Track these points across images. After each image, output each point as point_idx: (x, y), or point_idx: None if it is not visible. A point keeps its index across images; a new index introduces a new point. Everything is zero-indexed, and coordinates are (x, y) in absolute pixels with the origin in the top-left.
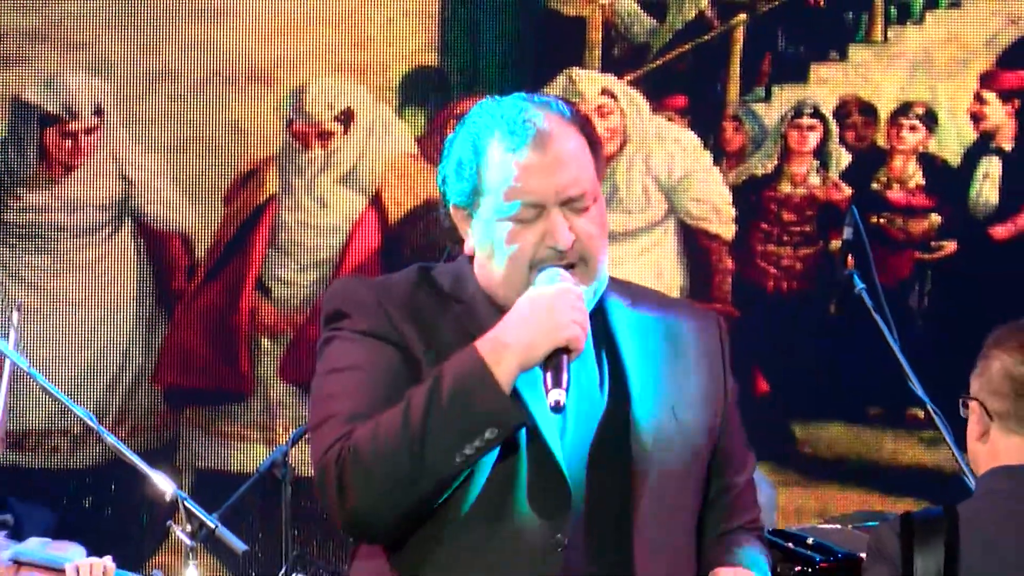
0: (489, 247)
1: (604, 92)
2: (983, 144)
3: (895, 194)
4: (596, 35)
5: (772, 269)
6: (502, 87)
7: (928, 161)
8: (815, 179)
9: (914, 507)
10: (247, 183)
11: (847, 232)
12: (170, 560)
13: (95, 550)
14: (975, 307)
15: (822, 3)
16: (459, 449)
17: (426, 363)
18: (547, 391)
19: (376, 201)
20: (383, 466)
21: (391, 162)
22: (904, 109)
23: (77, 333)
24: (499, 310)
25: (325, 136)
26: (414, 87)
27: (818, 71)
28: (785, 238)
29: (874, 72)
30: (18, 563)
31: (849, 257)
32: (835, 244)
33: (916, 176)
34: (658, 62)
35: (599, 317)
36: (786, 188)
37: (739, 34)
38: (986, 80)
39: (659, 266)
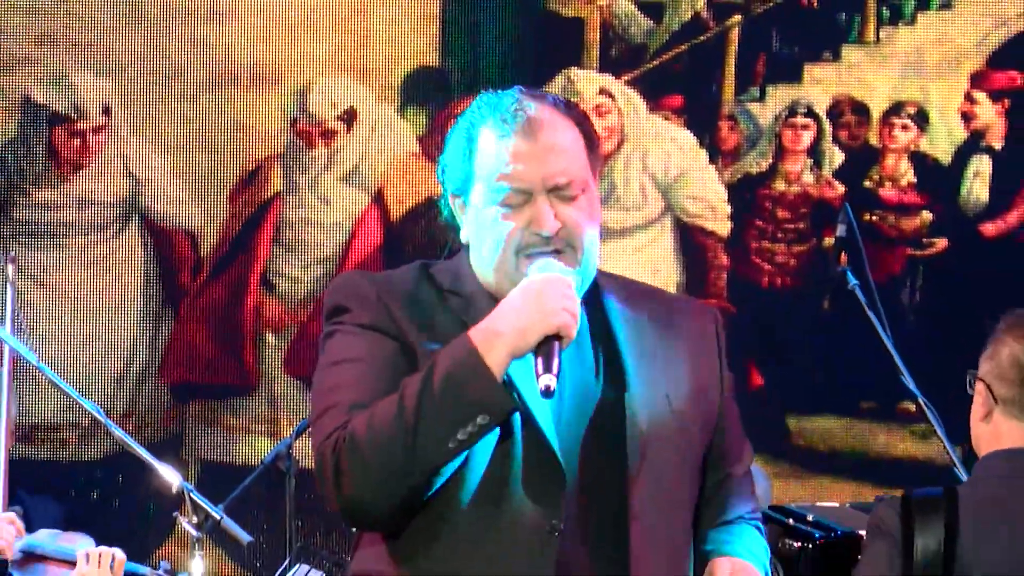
0: (479, 233)
1: (602, 92)
2: (973, 143)
3: (887, 192)
4: (594, 36)
5: (767, 265)
6: (502, 87)
7: (920, 160)
8: (809, 177)
9: None
10: (252, 181)
11: (840, 229)
12: (176, 551)
13: (103, 541)
14: (966, 303)
15: (815, 4)
16: (452, 435)
17: (425, 356)
18: (538, 376)
19: (378, 199)
20: (378, 453)
21: (393, 160)
22: (896, 108)
23: (85, 328)
24: (497, 304)
25: (328, 135)
26: (416, 87)
27: (812, 71)
28: (779, 235)
29: (867, 72)
30: (30, 555)
31: (842, 254)
32: (828, 241)
33: (908, 174)
34: (655, 62)
35: (596, 309)
36: (780, 186)
37: (734, 35)
38: (976, 80)
39: (656, 262)
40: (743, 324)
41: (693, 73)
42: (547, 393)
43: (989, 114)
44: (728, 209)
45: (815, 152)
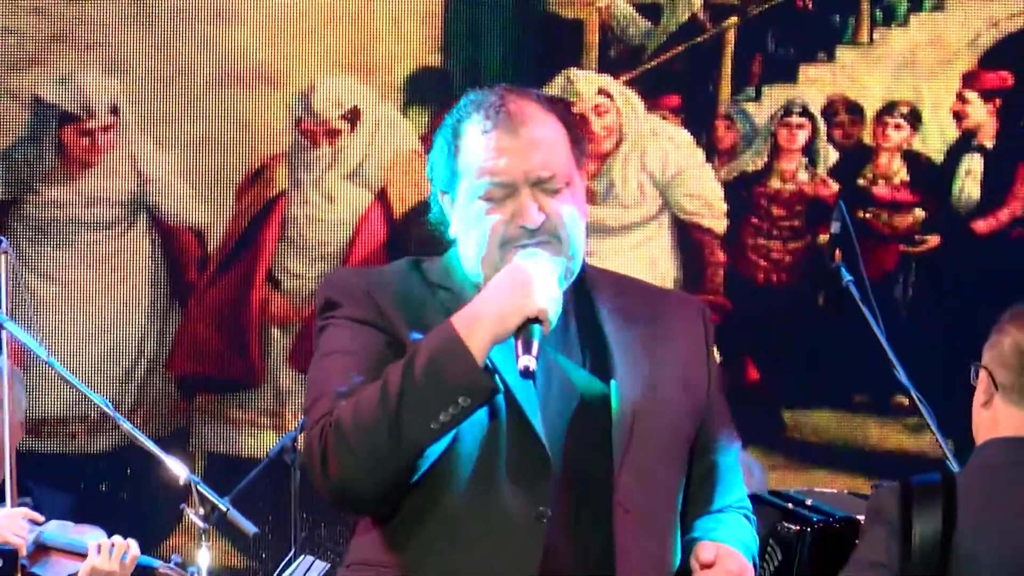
0: (466, 228)
1: (601, 92)
2: (965, 142)
3: (881, 190)
4: (593, 37)
5: (762, 262)
6: None
7: (912, 158)
8: (804, 175)
9: None
10: (258, 179)
11: (835, 226)
12: (183, 542)
13: (112, 532)
14: (958, 299)
15: (810, 6)
16: (435, 417)
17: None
18: (517, 358)
19: (381, 196)
20: (363, 438)
21: (396, 159)
22: (889, 108)
23: (94, 323)
24: None
25: (332, 134)
26: (418, 87)
27: (806, 72)
28: (775, 232)
29: (860, 72)
30: (42, 547)
31: (836, 250)
32: (823, 238)
33: (901, 172)
34: (653, 63)
35: (584, 300)
36: (776, 184)
37: (730, 36)
38: (968, 80)
39: (654, 259)
40: (739, 319)
41: (690, 73)
42: (526, 374)
43: (980, 113)
44: (724, 207)
45: (810, 151)
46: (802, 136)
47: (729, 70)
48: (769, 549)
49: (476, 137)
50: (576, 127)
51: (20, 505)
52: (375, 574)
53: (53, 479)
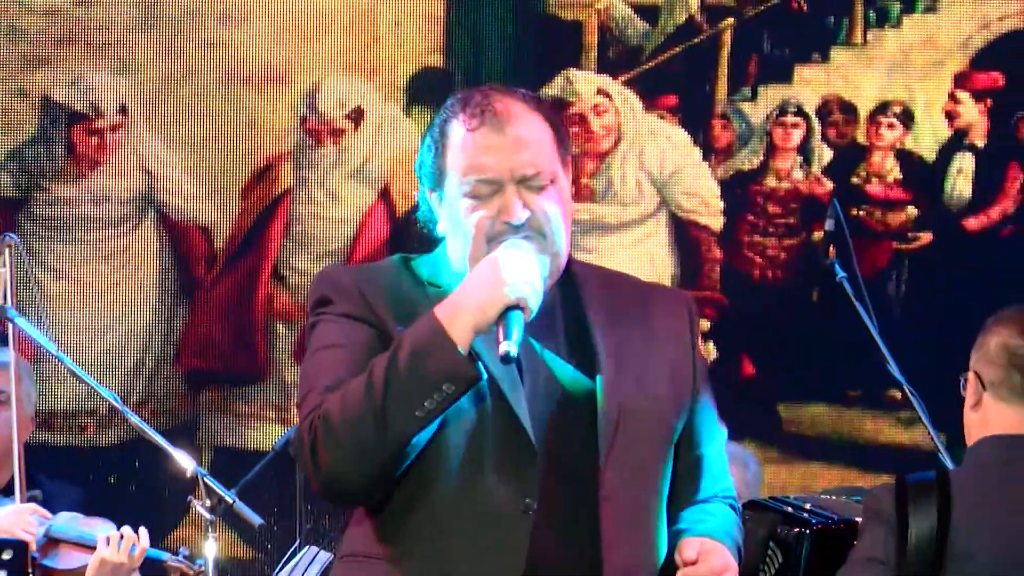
0: (453, 225)
1: (600, 92)
2: (957, 141)
3: (874, 188)
4: (592, 38)
5: (758, 259)
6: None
7: (905, 157)
8: (799, 174)
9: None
10: (263, 178)
11: (829, 224)
12: (190, 533)
13: (120, 524)
14: (949, 294)
15: (805, 8)
16: (419, 405)
17: None
18: (498, 344)
19: (385, 195)
20: (350, 429)
21: (399, 158)
22: (883, 108)
23: (103, 319)
24: None
25: (337, 133)
26: (421, 87)
27: (801, 72)
28: (770, 229)
29: (854, 73)
30: (52, 540)
31: (831, 247)
32: (817, 235)
33: (894, 171)
34: (651, 63)
35: (571, 294)
36: (771, 182)
37: (727, 37)
38: (960, 81)
39: (652, 255)
40: (735, 315)
41: (687, 74)
42: (506, 359)
43: (972, 113)
44: (721, 204)
45: (805, 150)
46: (797, 135)
47: (725, 70)
48: (770, 552)
49: (463, 135)
50: (561, 126)
51: (30, 498)
52: (366, 565)
53: (63, 472)
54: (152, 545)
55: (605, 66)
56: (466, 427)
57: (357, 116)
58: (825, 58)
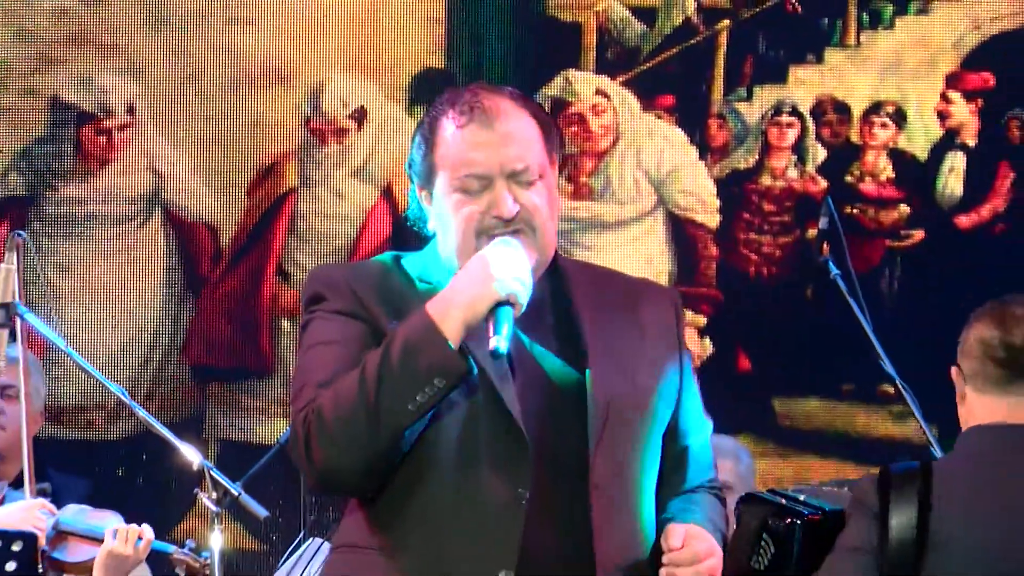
0: (443, 221)
1: (598, 92)
2: (949, 140)
3: (867, 186)
4: (591, 39)
5: (754, 256)
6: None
7: (898, 156)
8: (793, 173)
9: None
10: (268, 176)
11: (823, 222)
12: (196, 525)
13: (128, 516)
14: (941, 291)
15: (800, 10)
16: (411, 398)
17: None
18: (488, 339)
19: (387, 193)
20: (343, 422)
21: (401, 157)
22: (876, 108)
23: (111, 315)
24: None
25: (340, 133)
26: (423, 87)
27: (796, 73)
28: (766, 227)
29: (848, 74)
30: (61, 532)
31: (825, 245)
32: (812, 233)
33: (887, 170)
34: (648, 64)
35: (559, 289)
36: (766, 181)
37: (723, 39)
38: (951, 81)
39: (649, 253)
40: (731, 311)
41: (684, 74)
42: (495, 355)
43: (963, 113)
44: (717, 203)
45: (799, 149)
46: (792, 135)
47: (721, 71)
48: (763, 543)
49: (452, 132)
50: (548, 123)
51: (39, 491)
52: (361, 556)
53: (72, 464)
54: (159, 536)
55: (603, 67)
56: (459, 420)
57: (360, 116)
58: (819, 59)
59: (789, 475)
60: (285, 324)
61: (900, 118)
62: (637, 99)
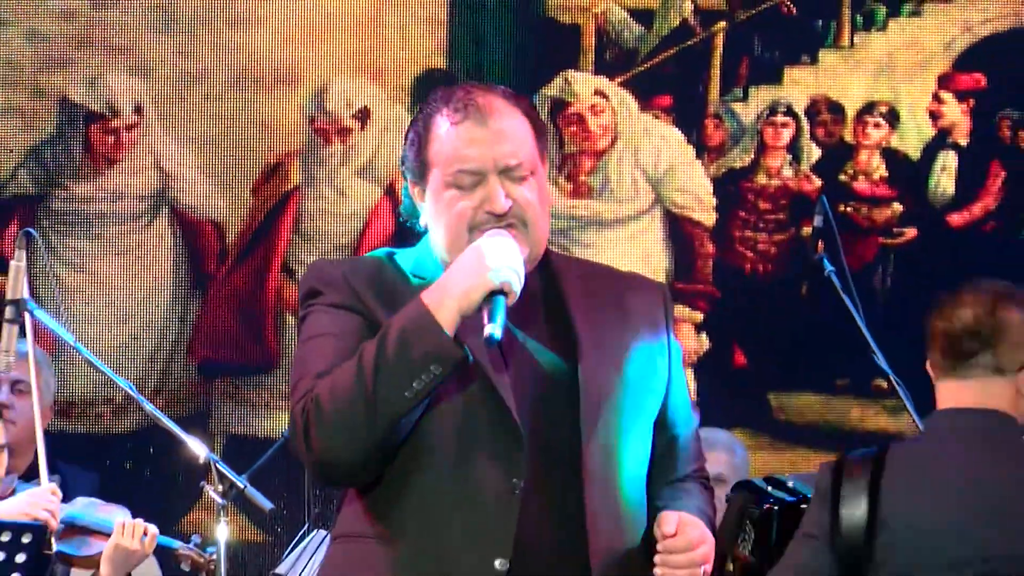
0: (437, 216)
1: (597, 93)
2: (940, 140)
3: (861, 185)
4: (590, 41)
5: (749, 253)
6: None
7: (891, 155)
8: (788, 171)
9: None
10: (273, 175)
11: (817, 220)
12: (203, 517)
13: (135, 508)
14: (933, 287)
15: (794, 12)
16: (408, 386)
17: None
18: (483, 327)
19: (390, 191)
20: (341, 411)
21: None
22: (869, 108)
23: (119, 311)
24: None
25: (344, 132)
26: (425, 88)
27: (791, 73)
28: (761, 225)
29: (842, 74)
30: (70, 526)
31: (819, 242)
32: (806, 231)
33: (880, 169)
34: (646, 65)
35: (550, 284)
36: (762, 180)
37: (719, 40)
38: (943, 82)
39: (647, 250)
40: (727, 307)
41: (681, 75)
42: (490, 342)
43: (955, 113)
44: (713, 201)
45: (794, 148)
46: (787, 134)
47: (718, 72)
48: (745, 529)
49: (447, 128)
50: (539, 121)
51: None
52: (359, 544)
53: (81, 458)
54: (165, 528)
55: (602, 68)
56: (454, 411)
57: (363, 116)
58: (814, 60)
59: (784, 468)
60: (290, 320)
61: (893, 118)
62: (635, 99)
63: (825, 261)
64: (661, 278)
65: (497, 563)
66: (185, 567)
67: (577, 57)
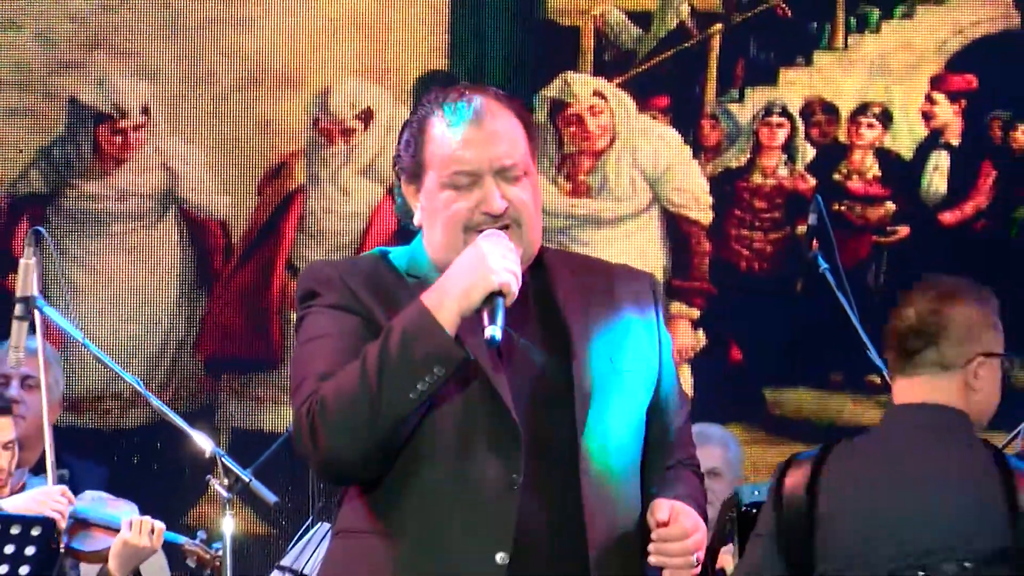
0: (431, 216)
1: (596, 93)
2: (933, 140)
3: (854, 184)
4: (589, 42)
5: (745, 251)
6: (504, 89)
7: (884, 155)
8: (783, 171)
9: None
10: (278, 174)
11: (812, 218)
12: (209, 510)
13: (142, 502)
14: None
15: (789, 14)
16: (412, 387)
17: None
18: (483, 328)
19: (392, 191)
20: (346, 412)
21: None
22: (863, 108)
23: (126, 308)
24: None
25: (348, 132)
26: (427, 88)
27: (786, 75)
28: (757, 224)
29: (836, 75)
30: (79, 521)
31: (814, 240)
32: (801, 229)
33: (873, 168)
34: (644, 67)
35: (542, 279)
36: (757, 179)
37: (716, 42)
38: (936, 83)
39: (644, 248)
40: (724, 304)
41: (678, 76)
42: (491, 343)
43: (947, 114)
44: (710, 200)
45: (789, 148)
46: (782, 134)
47: (714, 73)
48: (729, 531)
49: (442, 130)
50: (530, 122)
51: (58, 478)
52: (360, 540)
53: (89, 453)
54: (172, 521)
55: (601, 69)
56: (454, 410)
57: (366, 116)
58: (808, 62)
59: (779, 462)
60: (295, 317)
61: (886, 118)
62: (633, 100)
63: (819, 259)
64: (659, 275)
65: (498, 557)
66: (191, 563)
67: (576, 59)
